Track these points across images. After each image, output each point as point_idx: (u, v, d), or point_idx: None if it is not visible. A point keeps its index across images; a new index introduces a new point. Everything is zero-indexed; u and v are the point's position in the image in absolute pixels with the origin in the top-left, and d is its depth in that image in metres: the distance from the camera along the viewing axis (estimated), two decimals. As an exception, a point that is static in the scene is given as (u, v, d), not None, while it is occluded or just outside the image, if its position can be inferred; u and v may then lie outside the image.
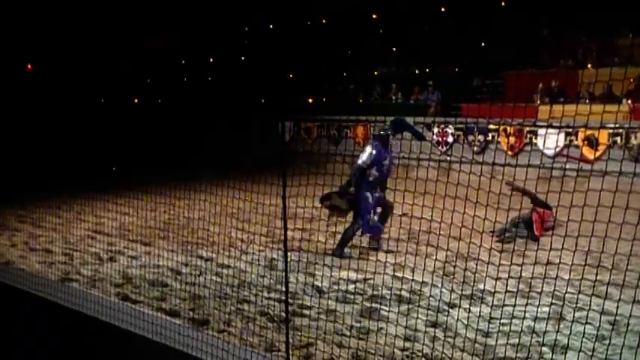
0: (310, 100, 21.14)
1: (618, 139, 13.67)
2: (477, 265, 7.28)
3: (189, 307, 7.30)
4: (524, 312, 6.19)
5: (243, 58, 22.77)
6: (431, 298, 6.71)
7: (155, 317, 6.69)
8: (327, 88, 21.59)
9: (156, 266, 8.80)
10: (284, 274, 5.90)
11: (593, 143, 13.88)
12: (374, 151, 9.32)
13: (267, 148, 15.68)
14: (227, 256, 8.81)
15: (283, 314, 6.84)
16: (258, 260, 8.52)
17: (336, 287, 7.48)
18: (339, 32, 20.88)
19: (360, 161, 9.30)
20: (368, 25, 21.48)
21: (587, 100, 14.43)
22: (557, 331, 6.01)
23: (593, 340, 5.64)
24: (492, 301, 6.74)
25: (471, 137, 15.91)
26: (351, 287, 7.49)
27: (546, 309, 6.35)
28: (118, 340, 6.60)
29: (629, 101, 14.74)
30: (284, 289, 7.26)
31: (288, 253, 6.93)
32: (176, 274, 8.54)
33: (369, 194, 9.27)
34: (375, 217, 9.31)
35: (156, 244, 9.83)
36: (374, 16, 21.77)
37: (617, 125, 13.27)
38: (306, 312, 7.01)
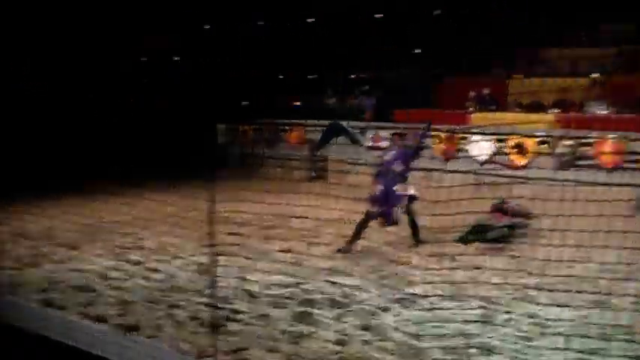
0: (246, 103, 20.98)
1: (546, 146, 14.03)
2: (409, 269, 7.37)
3: (117, 313, 7.14)
4: (455, 315, 6.29)
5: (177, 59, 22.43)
6: (363, 302, 6.74)
7: (81, 324, 6.52)
8: (263, 91, 21.45)
9: (82, 271, 8.59)
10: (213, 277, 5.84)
11: (522, 150, 14.21)
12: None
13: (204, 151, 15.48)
14: (157, 260, 8.68)
15: (214, 318, 6.80)
16: (189, 264, 8.41)
17: (269, 292, 7.44)
18: (276, 33, 20.80)
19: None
20: (304, 28, 21.46)
21: (517, 109, 14.78)
22: (486, 333, 6.11)
23: (520, 341, 5.78)
24: (424, 305, 6.81)
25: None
26: (284, 291, 7.47)
27: (475, 312, 6.47)
28: (40, 347, 6.40)
29: (556, 110, 15.13)
30: (216, 293, 7.22)
31: (222, 258, 6.89)
32: (104, 279, 8.35)
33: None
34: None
35: (83, 248, 9.60)
36: (310, 20, 21.77)
37: (545, 133, 13.61)
38: (239, 317, 6.94)
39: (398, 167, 9.59)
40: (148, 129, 18.54)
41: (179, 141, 18.18)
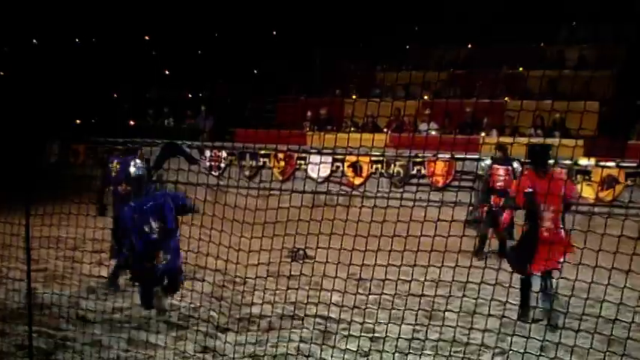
0: (78, 122, 20.21)
1: (380, 166, 14.55)
2: (243, 288, 7.34)
3: None
4: (293, 334, 6.34)
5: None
6: (201, 324, 6.63)
7: None
8: (97, 109, 20.76)
9: None
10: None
11: (357, 169, 14.67)
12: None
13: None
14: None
15: (44, 346, 6.44)
16: (17, 290, 7.91)
17: (103, 317, 7.13)
18: (110, 51, 20.22)
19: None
20: (140, 46, 21.06)
21: (352, 129, 15.21)
22: (325, 351, 6.19)
23: (357, 358, 5.91)
24: (262, 325, 6.79)
25: (243, 162, 16.14)
26: (119, 316, 7.21)
27: (314, 330, 6.55)
28: None
29: (389, 131, 15.71)
30: (45, 320, 6.86)
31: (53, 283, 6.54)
32: None
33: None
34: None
35: None
36: (146, 38, 21.39)
37: (380, 153, 14.08)
38: (70, 344, 6.60)
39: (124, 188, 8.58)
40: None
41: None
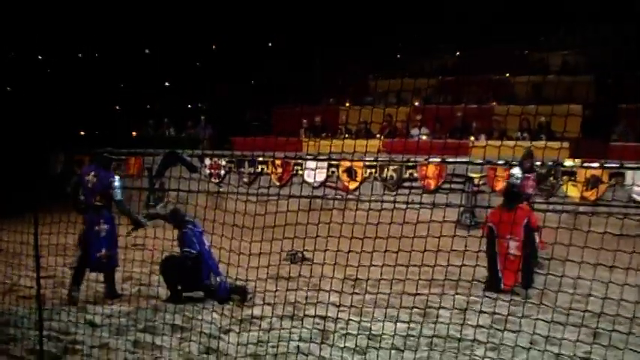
0: (82, 133, 20.40)
1: (373, 170, 14.81)
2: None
3: None
4: (293, 334, 6.54)
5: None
6: (204, 326, 6.84)
7: None
8: (101, 120, 20.93)
9: None
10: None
11: (352, 174, 14.91)
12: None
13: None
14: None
15: (54, 350, 6.65)
16: (26, 298, 8.14)
17: (110, 321, 7.34)
18: (112, 64, 20.43)
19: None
20: (140, 58, 21.28)
21: (346, 135, 15.46)
22: (323, 350, 6.41)
23: (355, 356, 6.16)
24: (263, 325, 6.99)
25: (241, 169, 16.37)
26: (125, 320, 7.41)
27: (313, 330, 6.78)
28: None
29: (382, 137, 15.96)
30: (55, 325, 7.07)
31: (63, 290, 6.71)
32: None
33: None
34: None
35: None
36: (147, 51, 21.61)
37: (374, 158, 14.36)
38: (79, 347, 6.79)
39: (98, 199, 8.35)
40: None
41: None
